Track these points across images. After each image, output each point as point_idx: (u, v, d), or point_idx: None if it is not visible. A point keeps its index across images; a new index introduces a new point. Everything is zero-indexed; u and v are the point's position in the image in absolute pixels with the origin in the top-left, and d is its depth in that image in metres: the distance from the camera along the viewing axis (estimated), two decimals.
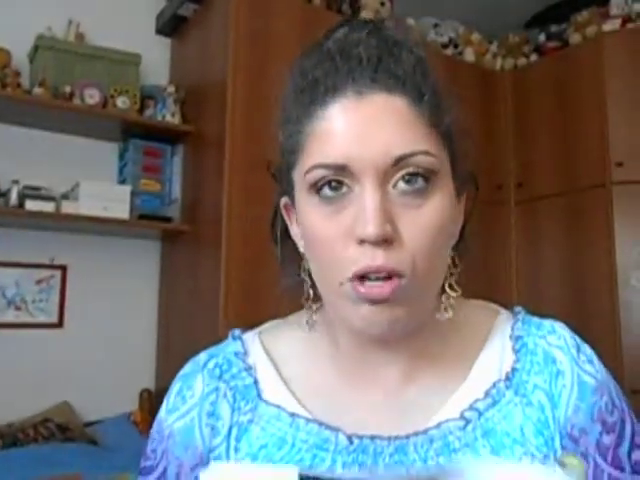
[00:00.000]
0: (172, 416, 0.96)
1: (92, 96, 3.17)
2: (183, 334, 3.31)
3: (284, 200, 0.97)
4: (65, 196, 3.15)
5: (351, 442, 0.88)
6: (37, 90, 3.04)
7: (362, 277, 0.80)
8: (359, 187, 0.80)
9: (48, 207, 3.01)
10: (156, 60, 3.70)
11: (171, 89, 3.45)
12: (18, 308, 3.25)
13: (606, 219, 3.79)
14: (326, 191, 0.82)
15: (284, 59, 3.40)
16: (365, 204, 0.79)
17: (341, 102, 0.82)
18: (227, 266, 2.98)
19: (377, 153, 0.79)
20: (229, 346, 1.01)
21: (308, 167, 0.83)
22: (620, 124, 3.82)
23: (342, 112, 0.82)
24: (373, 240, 0.77)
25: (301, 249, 0.95)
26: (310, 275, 0.93)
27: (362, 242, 0.79)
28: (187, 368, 1.00)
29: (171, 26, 3.70)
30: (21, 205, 2.97)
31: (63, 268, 3.38)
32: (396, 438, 0.88)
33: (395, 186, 0.81)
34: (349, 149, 0.80)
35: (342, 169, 0.80)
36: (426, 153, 0.81)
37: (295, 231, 0.96)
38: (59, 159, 3.37)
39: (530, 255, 4.23)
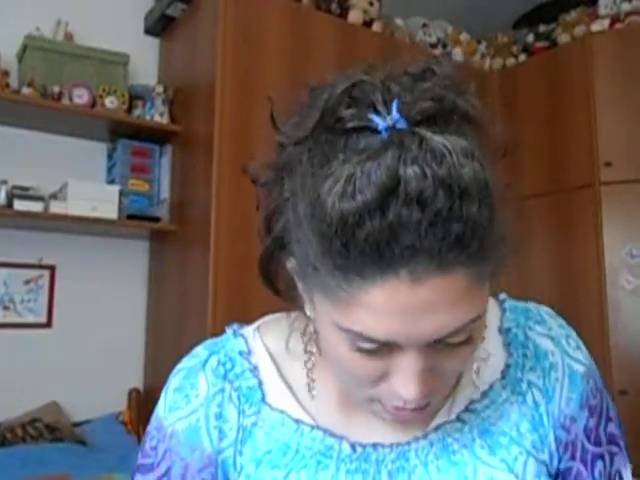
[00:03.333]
0: (174, 415, 0.93)
1: (80, 96, 3.17)
2: (171, 334, 3.31)
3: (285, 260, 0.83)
4: (54, 196, 3.15)
5: (354, 450, 0.88)
6: (25, 90, 3.04)
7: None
8: (401, 350, 0.72)
9: (37, 207, 3.01)
10: (145, 60, 3.70)
11: (159, 89, 3.45)
12: (6, 308, 3.25)
13: (595, 219, 3.80)
14: (364, 346, 0.72)
15: (272, 59, 3.43)
16: (406, 365, 0.72)
17: (391, 283, 0.66)
18: (215, 266, 2.98)
19: (427, 334, 0.69)
20: (229, 342, 0.97)
21: (346, 328, 0.71)
22: (609, 124, 3.83)
23: (392, 296, 0.66)
24: (412, 402, 0.74)
25: (308, 312, 0.83)
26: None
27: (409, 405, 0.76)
28: (186, 363, 0.97)
29: (159, 26, 3.70)
30: (10, 205, 2.96)
31: (52, 268, 3.38)
32: (397, 445, 0.89)
33: (440, 342, 0.71)
34: (397, 330, 0.69)
35: (381, 342, 0.70)
36: (474, 320, 0.71)
37: (301, 293, 0.83)
38: (48, 159, 3.36)
39: (518, 255, 4.22)
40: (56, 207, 3.06)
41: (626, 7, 3.98)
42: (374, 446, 0.89)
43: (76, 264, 3.44)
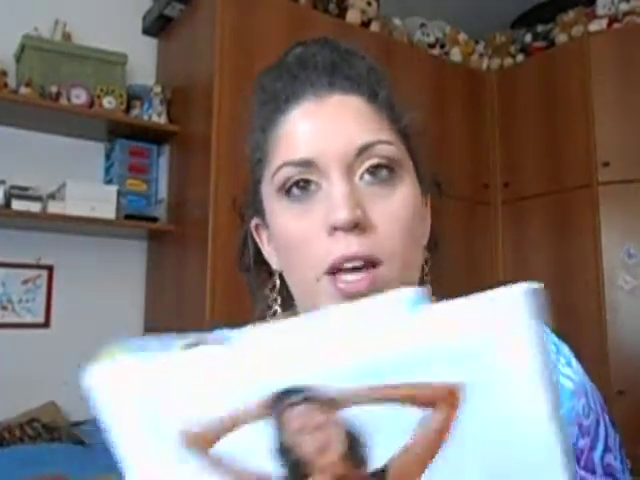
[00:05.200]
0: None
1: (78, 96, 3.17)
2: (169, 333, 3.30)
3: (255, 221, 1.01)
4: (52, 196, 3.15)
5: None
6: (23, 90, 3.04)
7: (339, 270, 0.81)
8: (327, 182, 0.83)
9: (35, 207, 3.01)
10: (142, 60, 3.70)
11: (157, 89, 3.44)
12: (4, 308, 3.25)
13: (593, 219, 3.80)
14: (295, 191, 0.85)
15: (270, 59, 3.41)
16: (334, 193, 0.81)
17: (301, 106, 0.87)
18: (213, 266, 2.98)
19: (341, 144, 0.82)
20: None
21: (275, 168, 0.86)
22: (606, 124, 3.83)
23: (303, 114, 0.86)
24: (345, 224, 0.79)
25: (274, 266, 0.97)
26: (281, 293, 0.96)
27: (334, 231, 0.80)
28: None
29: (157, 26, 3.70)
30: (8, 205, 2.96)
31: (50, 268, 3.38)
32: None
33: (362, 178, 0.83)
34: (313, 144, 0.84)
35: (308, 165, 0.84)
36: (387, 142, 0.84)
37: (267, 250, 0.99)
38: (46, 159, 3.36)
39: (516, 255, 4.24)
40: (54, 207, 3.06)
41: (624, 7, 3.98)
42: None
43: (74, 264, 3.44)
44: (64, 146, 3.44)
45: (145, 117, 3.40)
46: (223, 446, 0.53)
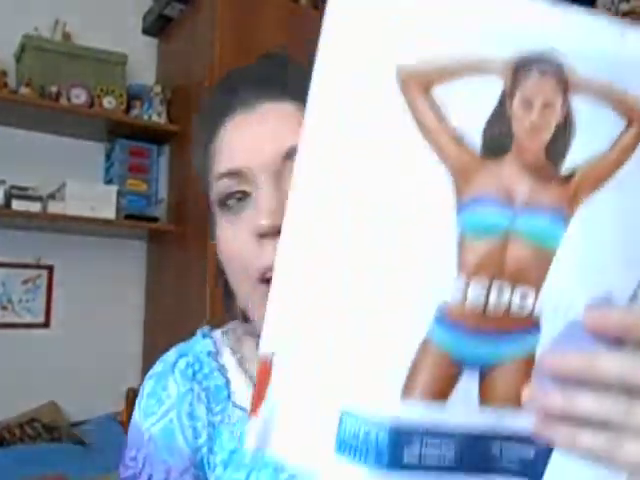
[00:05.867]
0: (149, 420, 0.94)
1: (78, 96, 3.16)
2: (169, 334, 3.31)
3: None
4: (52, 196, 3.14)
5: None
6: (23, 90, 3.04)
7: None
8: (256, 190, 0.83)
9: (35, 207, 3.01)
10: (142, 60, 3.69)
11: (157, 89, 3.44)
12: (4, 308, 3.25)
13: None
14: (230, 203, 0.85)
15: None
16: (259, 200, 0.81)
17: (233, 118, 0.87)
18: (213, 266, 2.97)
19: (267, 151, 0.82)
20: (198, 344, 1.00)
21: (218, 175, 0.86)
22: None
23: (234, 126, 0.87)
24: (267, 230, 0.78)
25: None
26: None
27: (262, 239, 0.80)
28: (157, 367, 1.00)
29: (157, 26, 3.70)
30: (8, 205, 2.96)
31: (50, 268, 3.38)
32: None
33: None
34: (241, 154, 0.84)
35: (238, 175, 0.84)
36: None
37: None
38: (45, 159, 3.36)
39: None
40: (54, 207, 3.06)
41: (624, 7, 3.98)
42: None
43: (74, 264, 3.44)
44: (64, 146, 3.44)
45: (145, 117, 3.39)
46: (440, 92, 0.49)
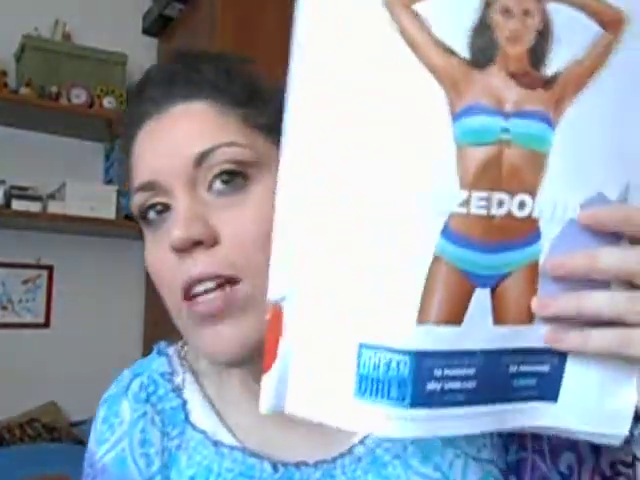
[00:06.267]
0: (102, 448, 0.89)
1: (78, 96, 3.17)
2: (169, 334, 3.30)
3: None
4: (52, 196, 3.14)
5: (276, 470, 0.82)
6: (23, 90, 3.04)
7: (194, 295, 0.73)
8: (174, 201, 0.76)
9: (35, 207, 3.01)
10: (142, 60, 3.67)
11: None
12: (4, 308, 3.25)
13: None
14: (151, 216, 0.78)
15: (271, 59, 3.41)
16: (174, 212, 0.75)
17: (145, 127, 0.79)
18: None
19: (177, 158, 0.75)
20: (154, 363, 0.94)
21: (135, 189, 0.79)
22: None
23: (145, 135, 0.79)
24: (180, 244, 0.71)
25: None
26: None
27: (180, 253, 0.73)
28: (112, 389, 0.94)
29: (157, 26, 3.69)
30: (8, 205, 2.96)
31: (49, 268, 3.39)
32: (323, 462, 0.82)
33: (210, 188, 0.75)
34: (153, 165, 0.77)
35: (152, 187, 0.77)
36: (230, 144, 0.75)
37: None
38: (46, 159, 3.36)
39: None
40: (54, 207, 3.06)
41: None
42: (297, 465, 0.82)
43: (74, 264, 3.44)
44: (64, 146, 3.44)
45: None
46: (422, 7, 0.50)
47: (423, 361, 0.52)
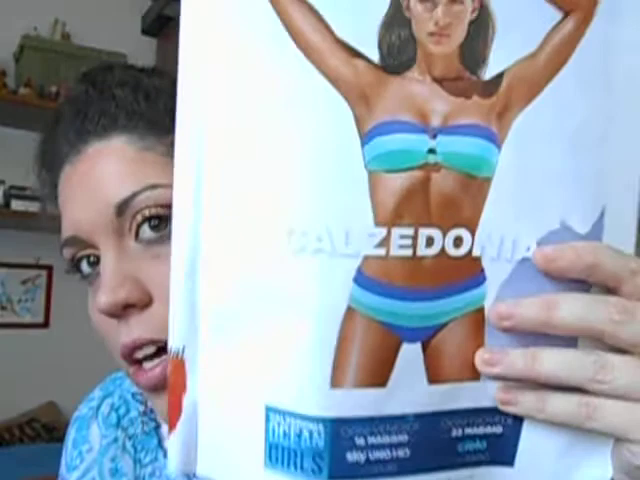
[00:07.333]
0: (73, 474, 0.85)
1: None
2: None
3: None
4: None
5: None
6: (23, 90, 3.04)
7: (139, 362, 0.65)
8: (101, 254, 0.66)
9: (34, 207, 3.00)
10: (142, 60, 3.59)
11: None
12: (4, 308, 3.25)
13: None
14: (84, 268, 0.71)
15: None
16: (102, 271, 0.65)
17: (64, 169, 0.69)
18: None
19: (97, 209, 0.64)
20: (125, 382, 0.89)
21: (63, 241, 0.71)
22: None
23: (65, 181, 0.69)
24: (108, 309, 0.63)
25: None
26: None
27: (111, 318, 0.65)
28: (82, 409, 0.91)
29: (157, 26, 3.69)
30: (7, 205, 2.97)
31: (49, 268, 3.38)
32: None
33: (138, 237, 0.65)
34: (73, 216, 0.67)
35: (74, 243, 0.68)
36: (153, 187, 0.63)
37: None
38: None
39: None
40: (53, 207, 3.05)
41: None
42: None
43: None
44: None
45: None
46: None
47: (341, 429, 0.43)
